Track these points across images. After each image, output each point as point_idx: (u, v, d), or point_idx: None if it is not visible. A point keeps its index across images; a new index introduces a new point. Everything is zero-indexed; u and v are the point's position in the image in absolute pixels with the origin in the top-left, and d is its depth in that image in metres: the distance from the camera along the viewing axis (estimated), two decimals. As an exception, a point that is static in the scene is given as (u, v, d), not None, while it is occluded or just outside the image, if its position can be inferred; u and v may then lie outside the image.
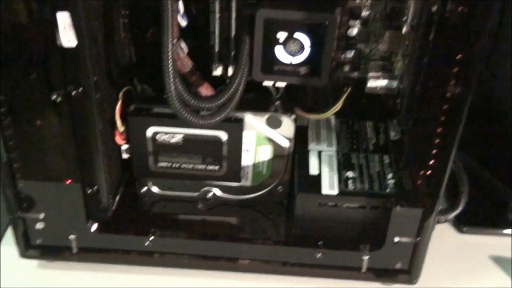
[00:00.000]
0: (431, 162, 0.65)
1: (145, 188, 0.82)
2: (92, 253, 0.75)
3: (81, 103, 0.63)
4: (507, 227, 0.84)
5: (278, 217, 0.80)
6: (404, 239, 0.70)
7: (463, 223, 0.84)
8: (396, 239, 0.70)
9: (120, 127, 0.73)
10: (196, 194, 0.82)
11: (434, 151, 0.64)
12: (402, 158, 0.76)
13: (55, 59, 0.60)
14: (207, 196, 0.82)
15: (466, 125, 0.62)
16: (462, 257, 0.81)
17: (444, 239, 0.82)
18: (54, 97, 0.61)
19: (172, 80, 0.63)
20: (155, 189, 0.82)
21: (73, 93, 0.62)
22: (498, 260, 0.80)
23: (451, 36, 0.59)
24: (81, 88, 0.63)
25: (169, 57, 0.62)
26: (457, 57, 0.59)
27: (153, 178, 0.80)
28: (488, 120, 0.87)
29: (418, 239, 0.70)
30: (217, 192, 0.81)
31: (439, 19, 0.61)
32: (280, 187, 0.80)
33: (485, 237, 0.84)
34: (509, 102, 0.84)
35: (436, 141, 0.64)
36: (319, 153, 0.77)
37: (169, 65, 0.62)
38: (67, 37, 0.59)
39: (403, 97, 0.76)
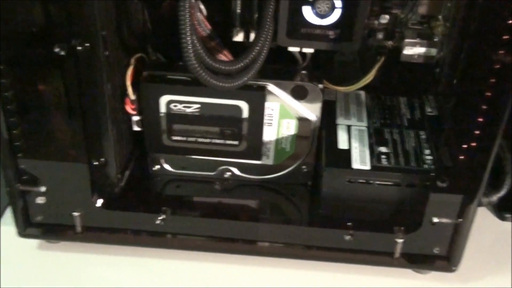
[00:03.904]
0: (473, 143, 0.58)
1: (157, 166, 0.75)
2: (97, 233, 0.68)
3: (87, 59, 0.57)
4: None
5: (301, 199, 0.73)
6: (444, 220, 0.62)
7: (505, 210, 0.76)
8: (435, 219, 0.63)
9: (131, 95, 0.67)
10: (212, 173, 0.75)
11: (477, 132, 0.57)
12: (441, 135, 0.69)
13: (57, 6, 0.54)
14: (225, 176, 0.75)
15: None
16: (503, 246, 0.73)
17: (483, 225, 0.74)
18: (57, 49, 0.55)
19: (189, 36, 0.57)
20: (168, 167, 0.75)
21: (78, 47, 0.56)
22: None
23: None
24: (87, 44, 0.56)
25: (187, 11, 0.56)
26: (509, 22, 0.51)
27: (167, 153, 0.74)
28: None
29: (459, 220, 0.62)
30: (236, 171, 0.75)
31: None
32: (304, 166, 0.73)
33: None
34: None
35: (481, 119, 0.56)
36: (349, 127, 0.71)
37: (187, 20, 0.56)
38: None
39: (443, 66, 0.69)
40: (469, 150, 0.59)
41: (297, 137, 0.71)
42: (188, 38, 0.57)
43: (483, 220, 0.75)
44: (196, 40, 0.58)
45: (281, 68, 0.68)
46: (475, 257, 0.69)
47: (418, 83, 0.76)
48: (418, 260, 0.66)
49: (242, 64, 0.61)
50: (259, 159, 0.72)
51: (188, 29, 0.56)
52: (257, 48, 0.61)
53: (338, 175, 0.65)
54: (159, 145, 0.71)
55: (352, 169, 0.64)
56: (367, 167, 0.64)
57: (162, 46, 0.74)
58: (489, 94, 0.56)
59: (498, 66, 0.54)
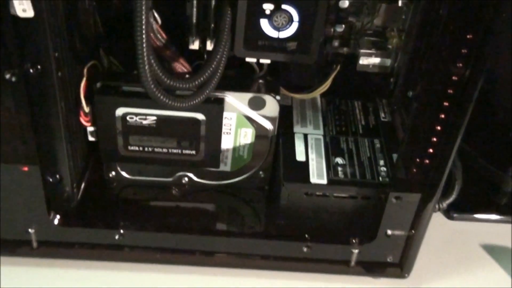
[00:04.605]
0: (430, 150, 0.59)
1: (113, 173, 0.74)
2: (54, 248, 0.67)
3: (40, 82, 0.55)
4: (497, 213, 0.80)
5: (259, 204, 0.74)
6: (398, 232, 0.64)
7: (453, 210, 0.79)
8: (389, 232, 0.64)
9: (85, 107, 0.65)
10: (170, 179, 0.75)
11: (434, 139, 0.58)
12: (394, 142, 0.70)
13: (9, 32, 0.52)
14: (182, 182, 0.75)
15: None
16: (452, 246, 0.76)
17: (433, 226, 0.77)
18: (8, 76, 0.52)
19: (146, 56, 0.55)
20: (124, 174, 0.74)
21: (31, 71, 0.54)
22: (490, 248, 0.76)
23: (462, 11, 0.52)
24: (39, 66, 0.54)
25: (143, 29, 0.55)
26: (467, 36, 0.52)
27: (123, 162, 0.73)
28: (480, 105, 0.82)
29: (412, 232, 0.64)
30: (193, 177, 0.75)
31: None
32: (261, 172, 0.73)
33: (475, 223, 0.80)
34: (503, 87, 0.80)
35: (438, 127, 0.58)
36: (305, 136, 0.71)
37: (143, 39, 0.55)
38: (22, 6, 0.51)
39: (397, 76, 0.70)
40: (423, 162, 0.60)
41: (254, 145, 0.71)
42: (145, 60, 0.55)
43: (432, 220, 0.78)
44: (153, 59, 0.57)
45: (238, 76, 0.68)
46: (426, 258, 0.72)
47: (373, 88, 0.77)
48: (372, 268, 0.68)
49: (198, 81, 0.61)
50: (217, 167, 0.72)
51: (145, 50, 0.55)
52: (214, 63, 0.61)
53: (296, 189, 0.66)
54: (115, 155, 0.70)
55: (310, 183, 0.65)
56: (324, 181, 0.65)
57: (115, 49, 0.72)
58: (446, 103, 0.57)
59: (456, 78, 0.55)
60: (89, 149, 0.72)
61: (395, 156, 0.69)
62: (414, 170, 0.61)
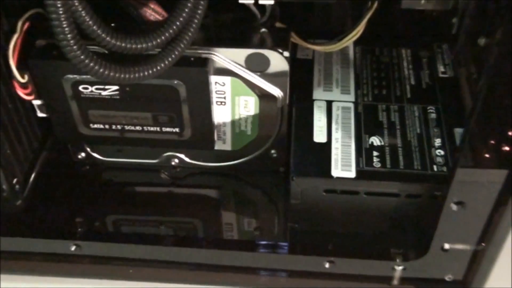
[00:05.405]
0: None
1: (82, 154, 0.58)
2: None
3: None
4: None
5: (266, 196, 0.56)
6: (460, 247, 0.45)
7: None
8: (447, 246, 0.45)
9: (18, 76, 0.48)
10: (155, 161, 0.57)
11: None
12: (458, 109, 0.50)
13: None
14: (172, 164, 0.57)
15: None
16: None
17: None
18: None
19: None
20: (96, 155, 0.57)
21: None
22: None
23: None
24: None
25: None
26: None
27: (87, 143, 0.56)
28: None
29: (481, 246, 0.44)
30: (185, 158, 0.57)
31: None
32: (273, 151, 0.55)
33: None
34: None
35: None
36: (329, 105, 0.51)
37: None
38: None
39: (463, 15, 0.49)
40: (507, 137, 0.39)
41: (260, 118, 0.52)
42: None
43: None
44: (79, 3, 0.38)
45: (230, 25, 0.49)
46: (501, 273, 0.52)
47: (428, 32, 0.56)
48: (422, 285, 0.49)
49: (162, 38, 0.41)
50: (211, 147, 0.54)
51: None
52: (186, 9, 0.41)
53: (312, 185, 0.47)
54: (75, 135, 0.53)
55: (331, 177, 0.46)
56: (352, 173, 0.46)
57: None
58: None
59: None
60: (47, 126, 0.55)
61: (458, 131, 0.49)
62: (485, 153, 0.40)
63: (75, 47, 0.38)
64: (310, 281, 0.50)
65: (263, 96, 0.50)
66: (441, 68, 0.55)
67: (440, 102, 0.52)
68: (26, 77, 0.49)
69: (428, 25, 0.56)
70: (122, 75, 0.40)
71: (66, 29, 0.37)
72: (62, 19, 0.36)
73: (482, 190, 0.41)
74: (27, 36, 0.48)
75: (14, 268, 0.51)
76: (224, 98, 0.51)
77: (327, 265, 0.48)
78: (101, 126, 0.52)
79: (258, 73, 0.49)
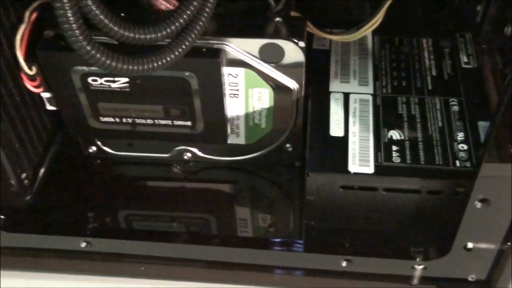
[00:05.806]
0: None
1: (93, 148, 0.56)
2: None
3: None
4: None
5: (281, 192, 0.54)
6: (485, 246, 0.43)
7: None
8: (470, 245, 0.43)
9: (26, 69, 0.46)
10: (167, 155, 0.56)
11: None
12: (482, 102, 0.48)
13: None
14: (184, 158, 0.56)
15: None
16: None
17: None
18: None
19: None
20: (107, 149, 0.56)
21: None
22: None
23: None
24: None
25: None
26: None
27: (97, 137, 0.55)
28: None
29: (506, 245, 0.42)
30: (197, 152, 0.55)
31: None
32: (288, 145, 0.53)
33: None
34: None
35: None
36: (346, 97, 0.49)
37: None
38: None
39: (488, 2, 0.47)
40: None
41: (274, 110, 0.50)
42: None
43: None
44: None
45: (243, 15, 0.48)
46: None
47: (450, 20, 0.54)
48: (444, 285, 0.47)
49: (170, 28, 0.40)
50: (223, 141, 0.53)
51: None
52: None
53: (328, 181, 0.45)
54: (86, 128, 0.52)
55: (349, 172, 0.44)
56: (371, 169, 0.44)
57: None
58: None
59: None
60: (57, 119, 0.54)
61: (482, 125, 0.47)
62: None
63: (80, 37, 0.36)
64: (326, 280, 0.48)
65: (278, 88, 0.49)
66: (464, 59, 0.52)
67: (463, 94, 0.49)
68: (34, 69, 0.47)
69: (451, 13, 0.54)
70: (131, 67, 0.39)
71: (71, 18, 0.35)
72: (67, 7, 0.35)
73: (508, 187, 0.39)
74: (35, 27, 0.47)
75: (22, 265, 0.50)
76: (237, 90, 0.49)
77: (344, 264, 0.46)
78: (111, 119, 0.51)
79: (273, 64, 0.47)
